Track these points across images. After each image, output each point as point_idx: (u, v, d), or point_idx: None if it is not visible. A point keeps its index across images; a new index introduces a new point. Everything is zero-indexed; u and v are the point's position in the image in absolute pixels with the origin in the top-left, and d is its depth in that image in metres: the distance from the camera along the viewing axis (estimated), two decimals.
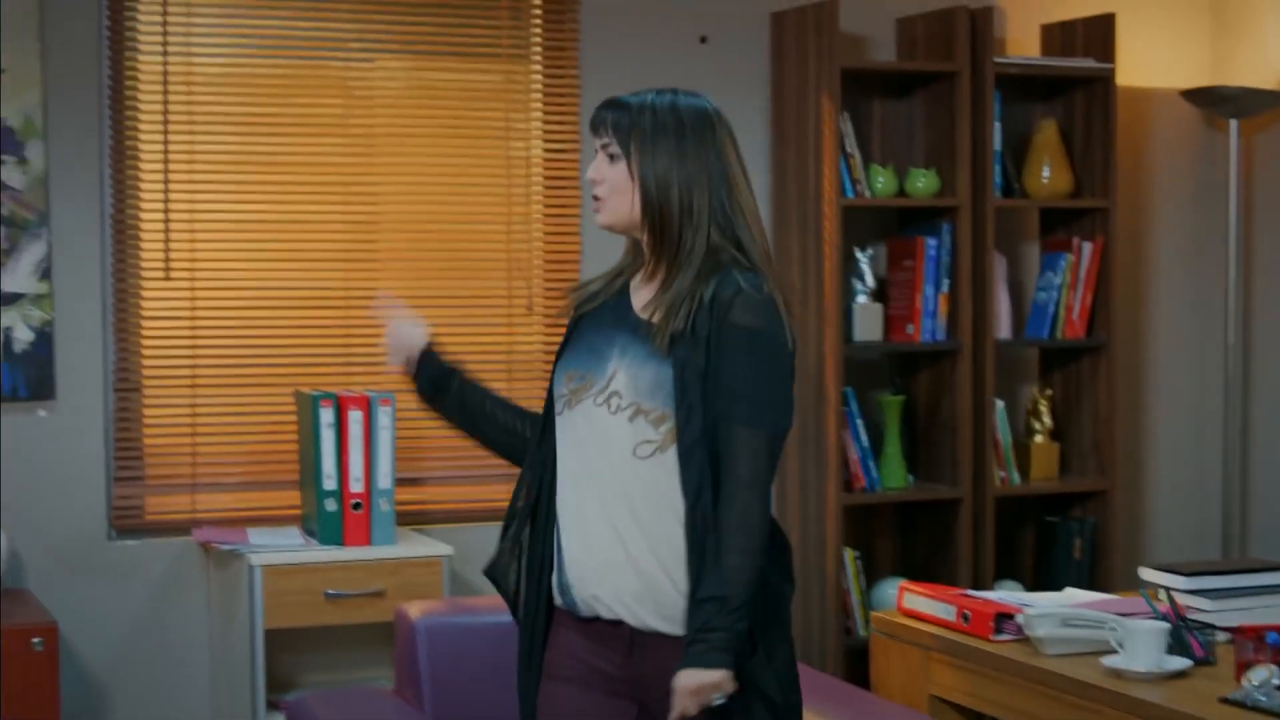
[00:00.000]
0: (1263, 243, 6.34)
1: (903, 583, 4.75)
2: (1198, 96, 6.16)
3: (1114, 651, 4.03)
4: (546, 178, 5.66)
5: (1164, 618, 4.16)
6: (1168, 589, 4.38)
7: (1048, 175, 5.94)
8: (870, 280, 5.79)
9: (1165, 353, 6.43)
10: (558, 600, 3.39)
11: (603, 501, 3.29)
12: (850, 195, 5.66)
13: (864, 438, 5.74)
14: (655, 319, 3.26)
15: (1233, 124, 6.15)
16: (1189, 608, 4.32)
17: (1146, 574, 4.55)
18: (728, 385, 3.19)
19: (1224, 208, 6.25)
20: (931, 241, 5.75)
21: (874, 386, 5.98)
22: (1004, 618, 4.31)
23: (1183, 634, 4.10)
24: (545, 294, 5.66)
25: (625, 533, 3.27)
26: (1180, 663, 3.99)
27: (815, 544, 5.68)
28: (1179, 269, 6.44)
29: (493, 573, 3.50)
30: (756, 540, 3.18)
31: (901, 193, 5.79)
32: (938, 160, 5.82)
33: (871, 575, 5.91)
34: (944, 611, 4.47)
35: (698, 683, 3.16)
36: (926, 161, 5.86)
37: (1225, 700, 3.76)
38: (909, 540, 6.01)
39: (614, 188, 3.31)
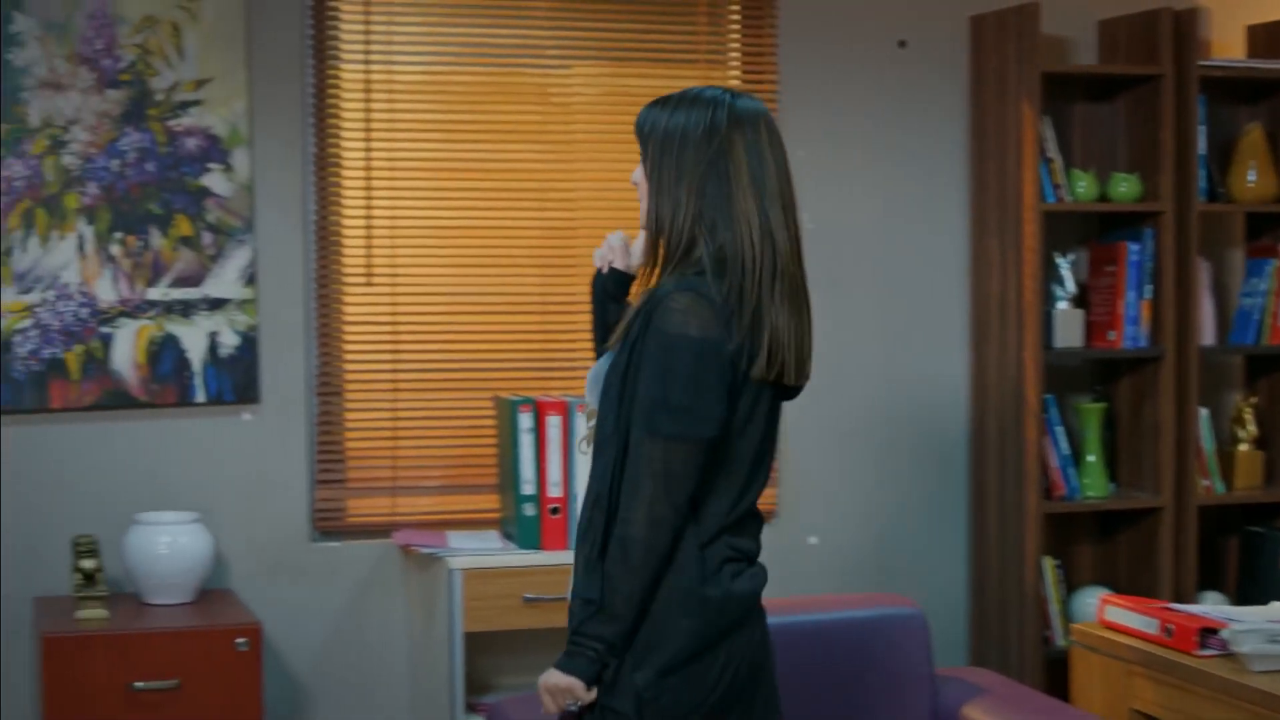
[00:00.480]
0: None
1: (1104, 594, 4.69)
2: None
3: None
4: None
5: None
6: None
7: (1253, 179, 5.84)
8: (1071, 286, 5.72)
9: None
10: None
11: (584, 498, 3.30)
12: (1051, 200, 5.61)
13: (1064, 445, 5.68)
14: None
15: None
16: None
17: None
18: (634, 387, 3.14)
19: None
20: (1134, 247, 5.67)
21: (1074, 393, 5.92)
22: (1208, 632, 4.24)
23: None
24: None
25: (580, 532, 3.25)
26: None
27: (1014, 552, 5.63)
28: None
29: None
30: (621, 549, 3.10)
31: (1103, 197, 5.72)
32: (1140, 164, 5.74)
33: (1070, 584, 5.84)
34: (1146, 625, 4.40)
35: (551, 684, 3.15)
36: (1129, 166, 5.78)
37: None
38: (1108, 549, 5.94)
39: (642, 191, 3.31)
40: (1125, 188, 5.68)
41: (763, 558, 5.90)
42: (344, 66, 5.31)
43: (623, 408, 3.16)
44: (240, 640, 4.72)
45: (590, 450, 3.28)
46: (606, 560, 3.12)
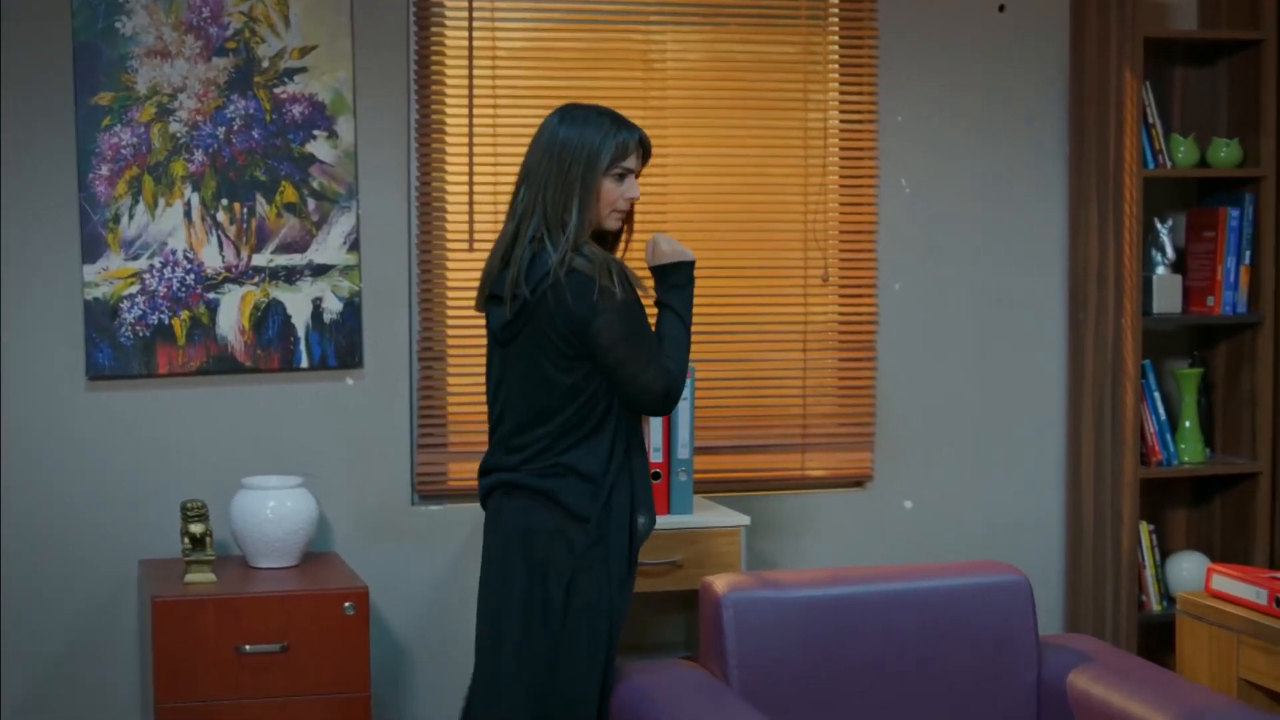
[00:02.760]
0: None
1: (1210, 564, 4.69)
2: None
3: None
4: (843, 148, 5.65)
5: None
6: None
7: None
8: (1170, 252, 5.71)
9: None
10: None
11: None
12: (1151, 166, 5.59)
13: (1161, 411, 5.67)
14: None
15: None
16: None
17: None
18: None
19: None
20: (1234, 212, 5.65)
21: (1171, 358, 5.91)
22: None
23: None
24: (841, 264, 5.66)
25: None
26: None
27: (1111, 517, 5.63)
28: None
29: None
30: None
31: (1203, 163, 5.70)
32: (1241, 130, 5.71)
33: (1164, 549, 5.84)
34: (1254, 594, 4.40)
35: None
36: (1230, 131, 5.76)
37: None
38: (1203, 515, 5.93)
39: None
40: (1225, 153, 5.66)
41: (856, 522, 5.96)
42: (448, 33, 5.33)
43: None
44: (348, 604, 4.76)
45: None
46: None
